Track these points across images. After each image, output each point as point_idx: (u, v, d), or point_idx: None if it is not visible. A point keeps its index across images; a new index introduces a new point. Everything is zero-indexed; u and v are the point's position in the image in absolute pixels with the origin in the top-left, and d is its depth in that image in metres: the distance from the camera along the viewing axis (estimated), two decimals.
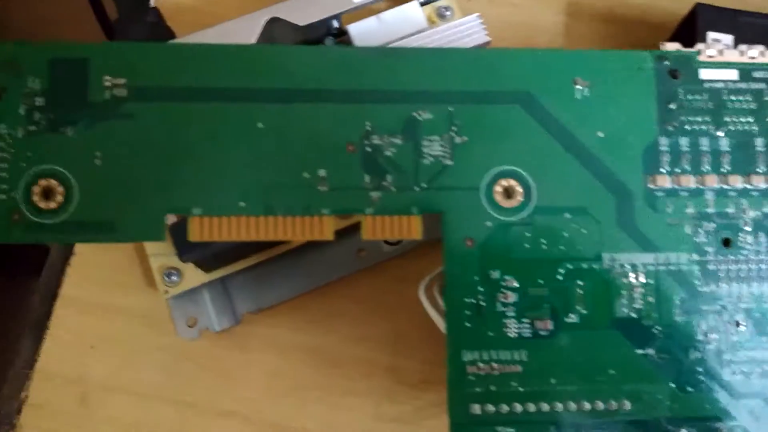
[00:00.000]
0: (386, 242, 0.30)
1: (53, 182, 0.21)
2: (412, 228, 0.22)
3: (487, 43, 0.28)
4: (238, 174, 0.22)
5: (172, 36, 0.29)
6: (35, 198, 0.21)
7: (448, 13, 0.32)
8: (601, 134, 0.23)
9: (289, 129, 0.22)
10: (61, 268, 0.30)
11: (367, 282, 0.30)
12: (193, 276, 0.29)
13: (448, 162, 0.22)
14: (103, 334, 0.29)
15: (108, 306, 0.29)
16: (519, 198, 0.22)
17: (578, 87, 0.23)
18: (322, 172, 0.22)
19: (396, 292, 0.30)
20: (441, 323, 0.26)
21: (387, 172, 0.22)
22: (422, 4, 0.31)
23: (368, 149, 0.22)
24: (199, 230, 0.21)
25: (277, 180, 0.22)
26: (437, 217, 0.22)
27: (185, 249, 0.26)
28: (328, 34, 0.31)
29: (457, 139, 0.22)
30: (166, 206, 0.21)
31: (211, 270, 0.29)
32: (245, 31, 0.27)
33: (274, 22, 0.28)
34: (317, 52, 0.22)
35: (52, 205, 0.21)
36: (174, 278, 0.28)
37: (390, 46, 0.28)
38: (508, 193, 0.22)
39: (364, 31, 0.30)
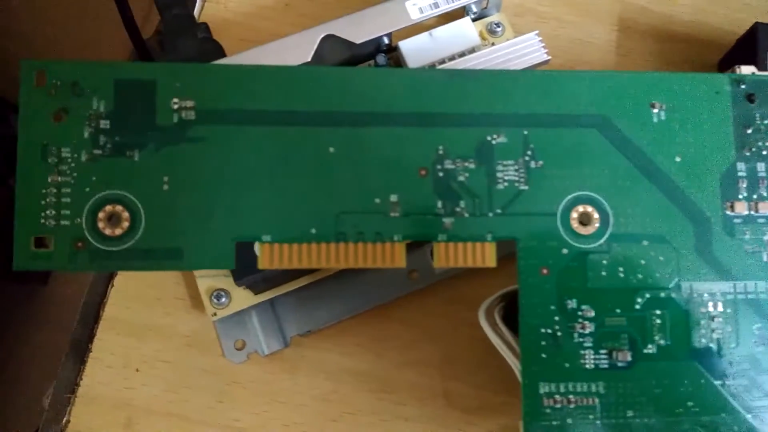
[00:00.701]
0: None
1: (119, 208, 0.20)
2: (486, 255, 0.21)
3: (547, 61, 0.28)
4: (308, 200, 0.21)
5: (222, 51, 0.28)
6: (100, 225, 0.20)
7: (499, 29, 0.31)
8: (678, 159, 0.22)
9: (361, 153, 0.21)
10: (103, 289, 0.29)
11: (417, 304, 0.29)
12: (242, 298, 0.28)
13: (523, 187, 0.21)
14: (148, 357, 0.28)
15: (153, 327, 0.29)
16: (595, 225, 0.22)
17: (655, 110, 0.22)
18: (393, 198, 0.21)
19: (447, 314, 0.29)
20: (503, 349, 0.25)
21: (460, 197, 0.21)
22: (473, 20, 0.30)
23: (441, 174, 0.21)
24: (269, 258, 0.21)
25: (348, 206, 0.21)
26: (512, 244, 0.21)
27: (241, 273, 0.25)
28: (379, 50, 0.30)
29: (533, 164, 0.21)
30: (236, 233, 0.20)
31: (260, 292, 0.28)
32: (300, 48, 0.27)
33: (328, 39, 0.27)
34: (389, 74, 0.22)
35: (118, 231, 0.20)
36: (223, 300, 0.28)
37: (451, 65, 0.27)
38: (585, 219, 0.22)
39: (415, 48, 0.29)
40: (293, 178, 0.21)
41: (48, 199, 0.20)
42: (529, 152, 0.22)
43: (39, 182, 0.20)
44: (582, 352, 0.21)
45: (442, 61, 0.30)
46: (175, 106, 0.21)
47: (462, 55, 0.30)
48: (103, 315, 0.29)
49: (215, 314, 0.28)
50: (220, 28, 0.30)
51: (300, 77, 0.21)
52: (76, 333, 0.29)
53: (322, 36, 0.27)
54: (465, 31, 0.30)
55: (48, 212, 0.20)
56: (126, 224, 0.20)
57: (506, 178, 0.21)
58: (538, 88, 0.22)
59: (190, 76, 0.21)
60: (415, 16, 0.28)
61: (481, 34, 0.31)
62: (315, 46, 0.27)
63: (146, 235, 0.20)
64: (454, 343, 0.29)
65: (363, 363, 0.29)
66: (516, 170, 0.21)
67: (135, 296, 0.29)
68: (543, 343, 0.21)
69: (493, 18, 0.31)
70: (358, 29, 0.27)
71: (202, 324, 0.28)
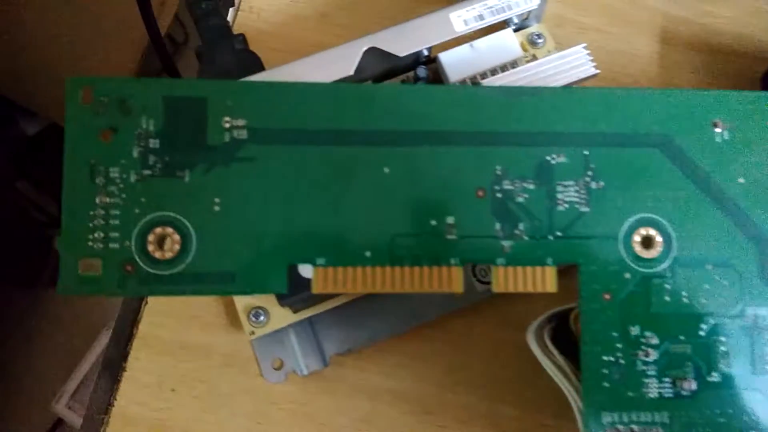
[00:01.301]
0: (480, 281, 0.28)
1: (169, 230, 0.19)
2: (547, 280, 0.20)
3: (595, 75, 0.27)
4: (363, 222, 0.20)
5: (260, 64, 0.27)
6: (150, 248, 0.19)
7: (540, 40, 0.30)
8: (741, 180, 0.21)
9: (416, 174, 0.20)
10: (136, 306, 0.29)
11: (460, 323, 0.28)
12: (281, 316, 0.27)
13: (585, 209, 0.21)
14: (184, 376, 0.28)
15: (189, 346, 0.28)
16: (658, 248, 0.21)
17: (718, 130, 0.21)
18: (450, 220, 0.20)
19: (491, 333, 0.28)
20: (555, 372, 0.24)
21: (519, 219, 0.20)
22: (513, 31, 0.30)
23: (499, 195, 0.20)
24: (323, 282, 0.20)
25: (403, 228, 0.20)
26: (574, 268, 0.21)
27: (286, 294, 0.24)
28: (418, 62, 0.29)
29: (593, 185, 0.21)
30: (289, 256, 0.20)
31: (299, 310, 0.27)
32: (343, 61, 0.26)
33: (371, 51, 0.26)
34: (445, 92, 0.21)
35: (168, 255, 0.19)
36: (261, 319, 0.27)
37: (495, 78, 0.27)
38: (648, 242, 0.21)
39: (456, 60, 0.29)
40: (347, 199, 0.20)
41: (96, 221, 0.19)
42: (589, 173, 0.21)
43: (86, 204, 0.19)
44: (645, 380, 0.21)
45: (484, 74, 0.29)
46: (227, 125, 0.20)
47: (504, 67, 0.29)
48: (137, 333, 0.28)
49: (253, 333, 0.27)
50: (254, 38, 0.29)
51: (354, 95, 0.20)
52: (110, 351, 0.28)
53: (365, 49, 0.27)
54: (507, 42, 0.29)
55: (96, 235, 0.19)
56: (177, 247, 0.19)
57: (567, 199, 0.21)
58: (599, 105, 0.21)
59: (242, 94, 0.20)
60: (459, 28, 0.27)
61: (522, 46, 0.30)
62: (358, 59, 0.26)
63: (197, 258, 0.19)
64: (498, 364, 0.28)
65: (405, 383, 0.28)
66: (576, 191, 0.21)
67: (170, 313, 0.28)
68: (605, 371, 0.20)
69: (534, 29, 0.30)
70: (402, 42, 0.27)
71: (239, 342, 0.28)
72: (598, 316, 0.21)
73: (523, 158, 0.21)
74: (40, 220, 0.94)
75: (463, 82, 0.29)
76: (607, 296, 0.21)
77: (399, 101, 0.21)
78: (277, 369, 0.28)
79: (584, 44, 0.27)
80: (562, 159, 0.21)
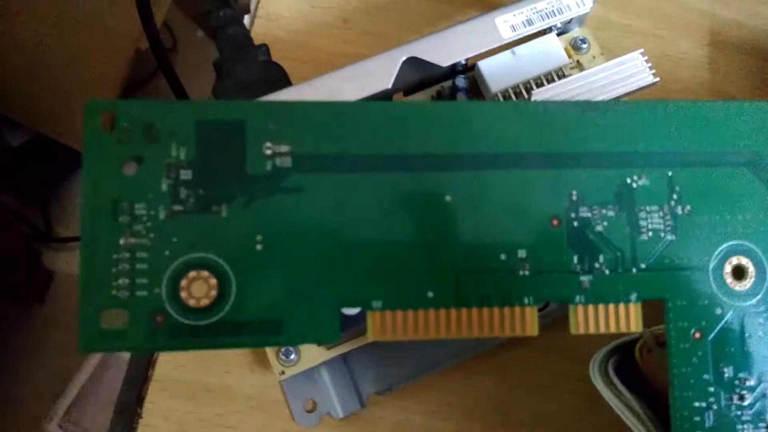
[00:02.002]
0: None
1: (205, 274, 0.17)
2: (631, 318, 0.18)
3: (654, 84, 0.25)
4: (423, 257, 0.18)
5: (285, 76, 0.25)
6: (183, 294, 0.17)
7: (584, 45, 0.28)
8: None
9: (482, 201, 0.18)
10: None
11: (509, 355, 0.26)
12: (313, 353, 0.25)
13: (670, 237, 0.18)
14: (207, 422, 0.25)
15: (211, 388, 0.25)
16: (751, 279, 0.18)
17: None
18: (522, 253, 0.18)
19: (544, 366, 0.26)
20: (622, 410, 0.22)
21: (599, 250, 0.18)
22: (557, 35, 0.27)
23: (575, 223, 0.18)
24: (379, 327, 0.17)
25: (469, 264, 0.18)
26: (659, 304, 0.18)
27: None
28: (455, 72, 0.27)
29: (679, 210, 0.18)
30: (341, 299, 0.17)
31: (332, 346, 0.25)
32: (380, 72, 0.23)
33: (410, 62, 0.24)
34: (512, 109, 0.18)
35: (204, 302, 0.17)
36: (292, 357, 0.24)
37: (545, 89, 0.24)
38: (739, 272, 0.19)
39: (496, 68, 0.26)
40: (405, 231, 0.18)
41: (120, 266, 0.17)
42: (675, 196, 0.18)
43: (109, 246, 0.17)
44: (740, 426, 0.18)
45: (527, 83, 0.27)
46: (268, 152, 0.17)
47: (549, 76, 0.27)
48: (153, 375, 0.25)
49: (283, 373, 0.25)
50: (272, 47, 0.27)
51: (412, 115, 0.18)
52: (124, 395, 0.26)
53: (404, 59, 0.24)
54: (551, 48, 0.27)
55: (120, 281, 0.17)
56: (213, 293, 0.17)
57: (650, 226, 0.18)
58: (684, 120, 0.19)
59: (286, 116, 0.17)
60: (506, 35, 0.25)
61: (566, 51, 0.27)
62: (396, 70, 0.24)
63: (238, 305, 0.17)
64: (553, 399, 0.25)
65: (450, 423, 0.25)
66: (661, 217, 0.18)
67: (189, 352, 0.26)
68: (697, 419, 0.18)
69: (578, 33, 0.28)
70: (444, 50, 0.24)
71: (266, 383, 0.25)
72: (689, 357, 0.18)
73: (602, 181, 0.18)
74: (27, 233, 0.90)
75: (504, 92, 0.26)
76: (697, 334, 0.18)
77: (462, 121, 0.18)
78: (310, 411, 0.25)
79: (641, 50, 0.25)
80: (644, 181, 0.18)
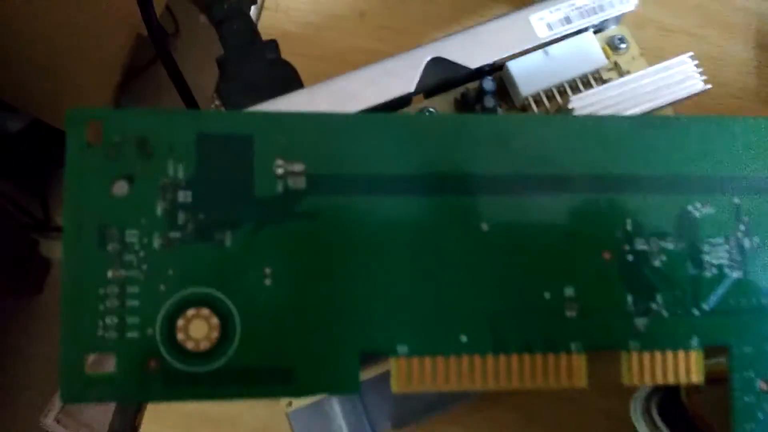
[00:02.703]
0: None
1: (205, 312, 0.14)
2: (692, 368, 0.16)
3: (705, 91, 0.22)
4: (456, 296, 0.15)
5: (297, 76, 0.22)
6: (180, 336, 0.14)
7: (623, 45, 0.25)
8: None
9: (523, 231, 0.15)
10: None
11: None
12: None
13: (737, 274, 0.16)
14: None
15: (211, 419, 0.23)
16: None
17: None
18: (569, 292, 0.15)
19: (575, 400, 0.23)
20: None
21: (656, 289, 0.16)
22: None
23: (630, 257, 0.16)
24: (405, 377, 0.15)
25: (508, 303, 0.15)
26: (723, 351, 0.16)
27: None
28: (480, 73, 0.24)
29: (747, 243, 0.16)
30: (362, 343, 0.15)
31: None
32: (402, 73, 0.21)
33: (435, 63, 0.21)
34: (556, 124, 0.16)
35: (205, 345, 0.14)
36: None
37: (584, 96, 0.22)
38: None
39: (527, 69, 0.24)
40: (435, 265, 0.15)
41: (108, 303, 0.14)
42: (742, 227, 0.16)
43: (95, 279, 0.14)
44: None
45: (560, 86, 0.24)
46: (280, 171, 0.15)
47: (585, 79, 0.24)
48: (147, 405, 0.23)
49: (290, 404, 0.22)
50: (281, 43, 0.24)
51: (443, 129, 0.15)
52: (115, 424, 0.23)
53: (428, 59, 0.22)
54: (588, 48, 0.24)
55: (108, 320, 0.14)
56: (215, 335, 0.14)
57: (715, 261, 0.16)
58: (756, 140, 0.16)
59: (299, 129, 0.15)
60: (543, 34, 0.22)
61: (603, 51, 0.25)
62: (420, 72, 0.21)
63: (243, 349, 0.15)
64: None
65: None
66: (727, 251, 0.16)
67: None
68: None
69: (615, 31, 0.26)
70: (473, 51, 0.22)
71: (271, 414, 0.23)
72: (753, 412, 0.16)
73: (660, 209, 0.16)
74: (24, 222, 0.88)
75: (536, 95, 0.24)
76: (764, 386, 0.16)
77: (500, 137, 0.16)
78: None
79: (690, 53, 0.22)
80: (708, 209, 0.16)
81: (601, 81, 0.25)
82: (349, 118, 0.15)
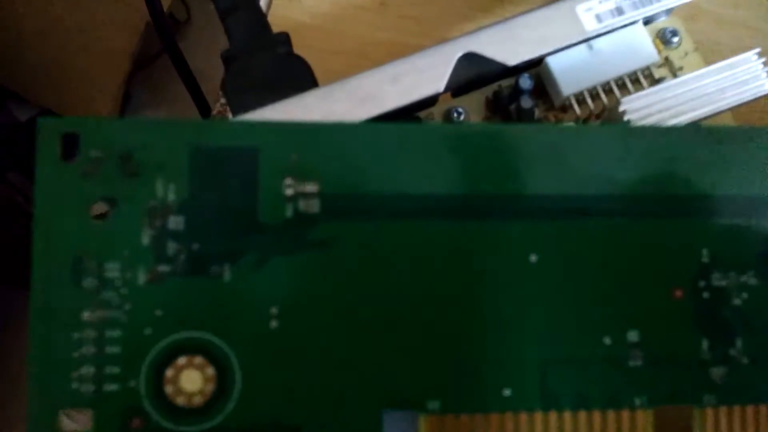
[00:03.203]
0: None
1: (199, 361, 0.12)
2: None
3: None
4: (499, 342, 0.13)
5: (310, 73, 0.20)
6: (169, 389, 0.12)
7: (675, 39, 0.23)
8: None
9: (579, 264, 0.13)
10: None
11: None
12: None
13: None
14: None
15: None
16: None
17: None
18: (632, 336, 0.13)
19: None
20: None
21: (735, 333, 0.13)
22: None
23: (706, 295, 0.13)
24: None
25: (560, 351, 0.13)
26: None
27: None
28: (515, 69, 0.22)
29: None
30: (385, 398, 0.12)
31: None
32: (431, 71, 0.18)
33: (468, 59, 0.19)
34: (616, 135, 0.13)
35: (198, 400, 0.12)
36: None
37: (636, 98, 0.19)
38: None
39: (569, 66, 0.21)
40: (474, 305, 0.13)
41: (84, 349, 0.12)
42: None
43: (68, 321, 0.12)
44: None
45: (607, 85, 0.21)
46: (289, 192, 0.12)
47: (633, 77, 0.22)
48: None
49: None
50: (293, 35, 0.21)
51: (485, 142, 0.13)
52: None
53: (460, 55, 0.19)
54: (638, 42, 0.21)
55: (84, 371, 0.12)
56: (210, 387, 0.12)
57: None
58: None
59: (313, 142, 0.12)
60: (591, 26, 0.19)
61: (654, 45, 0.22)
62: (450, 69, 0.19)
63: (243, 405, 0.12)
64: None
65: None
66: None
67: None
68: None
69: (666, 23, 0.23)
70: (511, 46, 0.19)
71: None
72: None
73: (742, 237, 0.13)
74: (32, 213, 0.87)
75: (579, 95, 0.21)
76: None
77: (552, 150, 0.13)
78: None
79: (757, 49, 0.19)
80: None
81: (652, 79, 0.22)
82: (373, 129, 0.13)
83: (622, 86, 0.22)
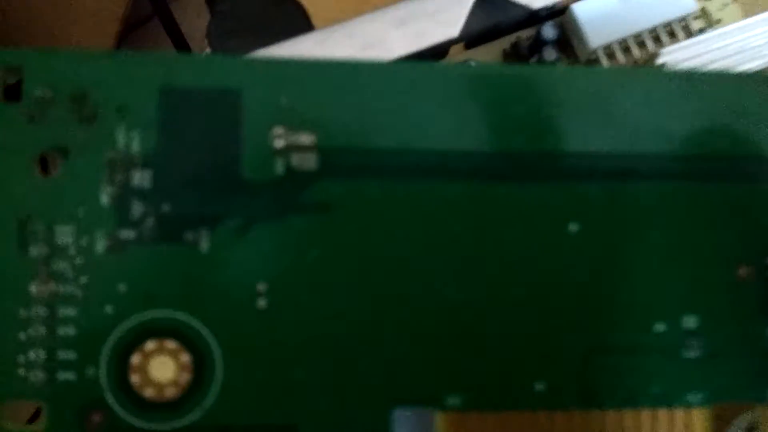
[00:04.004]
0: None
1: (171, 345, 0.10)
2: None
3: None
4: (530, 327, 0.10)
5: (305, 16, 0.17)
6: (136, 379, 0.10)
7: None
8: None
9: (622, 234, 0.11)
10: None
11: None
12: None
13: None
14: None
15: None
16: None
17: None
18: (689, 322, 0.11)
19: None
20: None
21: None
22: None
23: None
24: None
25: (604, 338, 0.11)
26: None
27: None
28: (537, 17, 0.19)
29: None
30: (395, 394, 0.10)
31: None
32: (443, 14, 0.16)
33: (486, 1, 0.16)
34: (675, 82, 0.11)
35: (171, 392, 0.10)
36: None
37: (674, 50, 0.17)
38: None
39: (597, 15, 0.19)
40: (501, 282, 0.10)
41: (31, 330, 0.10)
42: None
43: (13, 296, 0.10)
44: None
45: (640, 37, 0.19)
46: (280, 143, 0.10)
47: (669, 28, 0.19)
48: None
49: None
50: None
51: (514, 86, 0.11)
52: None
53: None
54: None
55: (32, 355, 0.10)
56: (186, 378, 0.10)
57: None
58: None
59: (310, 83, 0.10)
60: None
61: None
62: (466, 13, 0.16)
63: (225, 399, 0.10)
64: None
65: None
66: None
67: None
68: None
69: None
70: None
71: None
72: None
73: None
74: None
75: (608, 48, 0.19)
76: None
77: (595, 97, 0.11)
78: None
79: None
80: None
81: (689, 31, 0.20)
82: (381, 69, 0.11)
83: (657, 39, 0.20)
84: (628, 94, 0.11)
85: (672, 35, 0.20)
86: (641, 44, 0.20)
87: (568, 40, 0.20)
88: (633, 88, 0.11)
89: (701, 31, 0.20)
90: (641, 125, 0.11)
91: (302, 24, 0.18)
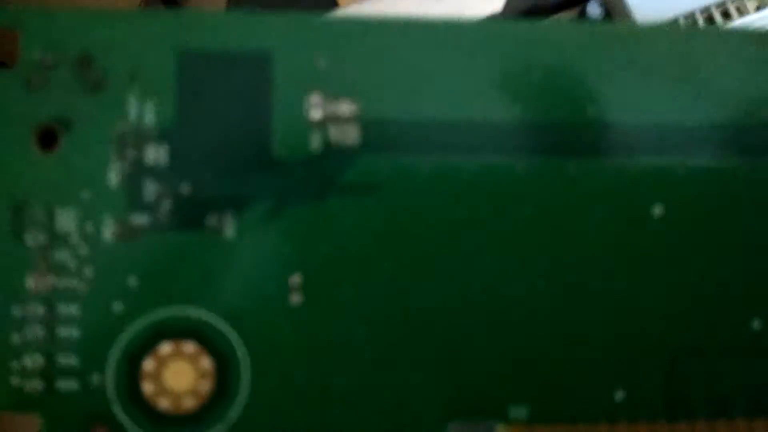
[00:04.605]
0: None
1: (190, 349, 0.08)
2: None
3: None
4: (606, 328, 0.09)
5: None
6: (148, 387, 0.08)
7: None
8: None
9: (715, 219, 0.09)
10: None
11: None
12: None
13: None
14: None
15: None
16: None
17: None
18: (757, 324, 0.09)
19: None
20: None
21: None
22: None
23: None
24: None
25: (692, 339, 0.09)
26: None
27: None
28: None
29: None
30: (452, 406, 0.09)
31: None
32: None
33: None
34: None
35: (190, 403, 0.08)
36: None
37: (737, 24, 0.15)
38: None
39: None
40: (573, 276, 0.09)
41: (28, 331, 0.08)
42: None
43: (7, 291, 0.08)
44: None
45: (690, 18, 0.18)
46: (316, 113, 0.09)
47: (723, 8, 0.18)
48: None
49: None
50: None
51: (593, 43, 0.09)
52: None
53: None
54: None
55: (28, 361, 0.08)
56: (206, 386, 0.08)
57: None
58: None
59: (351, 44, 0.09)
60: None
61: None
62: None
63: (253, 410, 0.08)
64: None
65: None
66: None
67: None
68: None
69: None
70: None
71: None
72: None
73: None
74: None
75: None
76: None
77: (681, 62, 0.09)
78: None
79: None
80: None
81: (744, 10, 0.18)
82: (436, 27, 0.09)
83: (709, 18, 0.18)
84: (718, 57, 0.10)
85: (726, 15, 0.18)
86: (693, 24, 0.18)
87: (611, 19, 0.19)
88: (725, 50, 0.10)
89: (758, 9, 0.18)
90: (734, 93, 0.09)
91: (327, 2, 0.17)
